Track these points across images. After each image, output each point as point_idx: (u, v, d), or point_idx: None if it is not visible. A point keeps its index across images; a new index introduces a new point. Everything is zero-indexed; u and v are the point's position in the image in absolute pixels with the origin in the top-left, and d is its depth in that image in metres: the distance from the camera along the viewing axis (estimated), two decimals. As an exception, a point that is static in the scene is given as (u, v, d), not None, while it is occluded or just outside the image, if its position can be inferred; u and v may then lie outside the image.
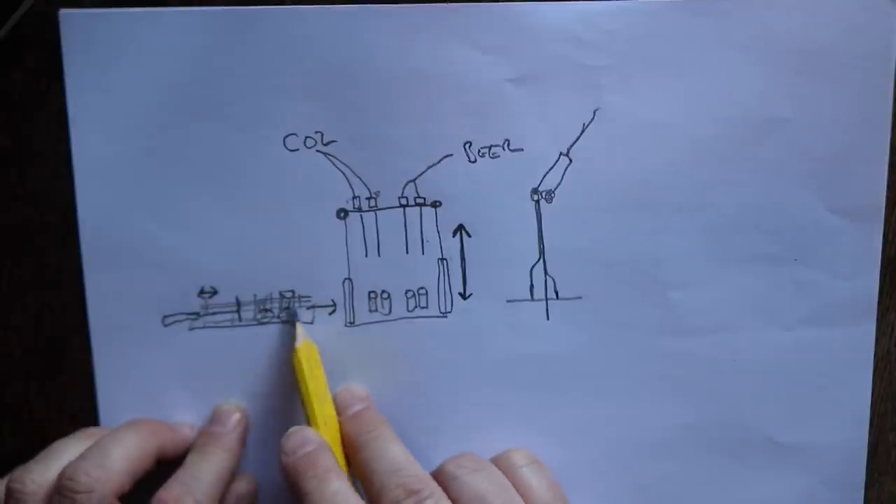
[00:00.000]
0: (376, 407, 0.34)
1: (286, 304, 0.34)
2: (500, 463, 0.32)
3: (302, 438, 0.30)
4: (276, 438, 0.33)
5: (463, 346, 0.34)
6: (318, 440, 0.30)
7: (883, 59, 0.33)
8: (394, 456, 0.30)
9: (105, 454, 0.30)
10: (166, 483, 0.30)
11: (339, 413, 0.33)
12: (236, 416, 0.33)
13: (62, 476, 0.29)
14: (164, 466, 0.32)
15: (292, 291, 0.34)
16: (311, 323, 0.34)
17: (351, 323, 0.34)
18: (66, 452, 0.30)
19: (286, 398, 0.34)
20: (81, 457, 0.30)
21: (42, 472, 0.29)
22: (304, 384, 0.32)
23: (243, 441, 0.33)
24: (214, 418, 0.33)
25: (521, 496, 0.31)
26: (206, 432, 0.33)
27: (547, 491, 0.32)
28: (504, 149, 0.33)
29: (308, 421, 0.32)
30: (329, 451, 0.30)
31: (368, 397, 0.34)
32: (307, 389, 0.32)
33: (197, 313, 0.33)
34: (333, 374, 0.34)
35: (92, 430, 0.32)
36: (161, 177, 0.33)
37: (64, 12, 0.32)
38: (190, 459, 0.32)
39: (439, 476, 0.31)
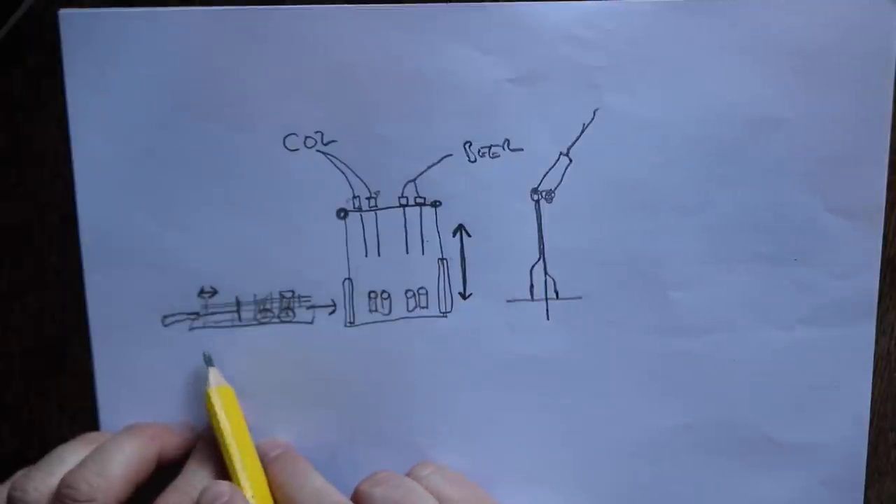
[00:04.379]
0: (376, 407, 0.34)
1: (287, 304, 0.34)
2: (410, 476, 0.33)
3: (214, 494, 0.30)
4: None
5: (463, 346, 0.34)
6: (229, 491, 0.30)
7: (883, 59, 0.33)
8: (314, 486, 0.31)
9: (105, 461, 0.30)
10: (164, 491, 0.30)
11: (261, 458, 0.32)
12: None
13: (62, 484, 0.29)
14: (166, 470, 0.32)
15: (292, 291, 0.34)
16: (311, 323, 0.34)
17: (351, 323, 0.34)
18: (67, 458, 0.30)
19: (286, 398, 0.34)
20: (82, 464, 0.30)
21: (44, 479, 0.29)
22: (220, 431, 0.32)
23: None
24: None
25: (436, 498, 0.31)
26: (206, 440, 0.33)
27: (458, 489, 0.32)
28: (504, 149, 0.33)
29: (227, 466, 0.32)
30: (242, 499, 0.30)
31: (289, 444, 0.34)
32: (224, 436, 0.31)
33: (197, 313, 0.33)
34: (333, 375, 0.34)
35: (93, 436, 0.32)
36: (161, 177, 0.33)
37: (64, 12, 0.32)
38: (188, 467, 0.32)
39: (356, 497, 0.31)
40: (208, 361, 0.33)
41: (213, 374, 0.33)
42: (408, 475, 0.33)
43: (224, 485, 0.30)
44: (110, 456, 0.30)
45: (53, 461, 0.30)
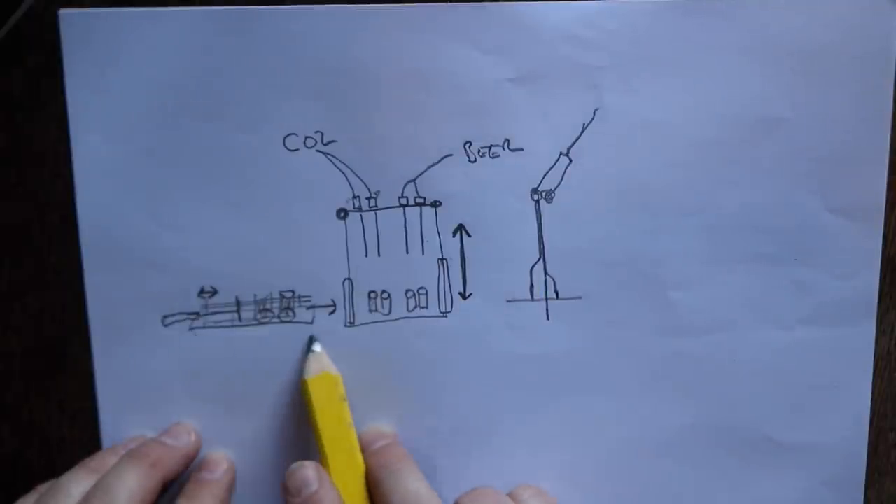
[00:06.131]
0: (376, 405, 0.34)
1: (287, 304, 0.34)
2: (512, 496, 0.33)
3: (301, 480, 0.30)
4: (276, 439, 0.34)
5: (463, 346, 0.34)
6: (316, 477, 0.30)
7: (883, 59, 0.33)
8: (411, 489, 0.30)
9: (110, 498, 0.29)
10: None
11: (363, 449, 0.33)
12: (224, 465, 0.33)
13: None
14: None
15: (292, 291, 0.34)
16: (311, 323, 0.34)
17: (351, 323, 0.34)
18: (73, 491, 0.30)
19: (286, 397, 0.34)
20: (86, 500, 0.29)
21: None
22: (315, 420, 0.32)
23: (232, 488, 0.33)
24: (203, 465, 0.33)
25: None
26: (196, 479, 0.32)
27: None
28: (504, 149, 0.33)
29: (321, 457, 0.32)
30: (331, 485, 0.30)
31: (395, 435, 0.34)
32: (320, 427, 0.32)
33: (197, 313, 0.33)
34: (333, 374, 0.34)
35: (94, 463, 0.31)
36: (161, 177, 0.33)
37: (64, 12, 0.32)
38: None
39: None
40: (310, 343, 0.33)
41: (311, 362, 0.33)
42: (509, 495, 0.33)
43: (310, 469, 0.30)
44: (114, 492, 0.29)
45: (60, 496, 0.29)
